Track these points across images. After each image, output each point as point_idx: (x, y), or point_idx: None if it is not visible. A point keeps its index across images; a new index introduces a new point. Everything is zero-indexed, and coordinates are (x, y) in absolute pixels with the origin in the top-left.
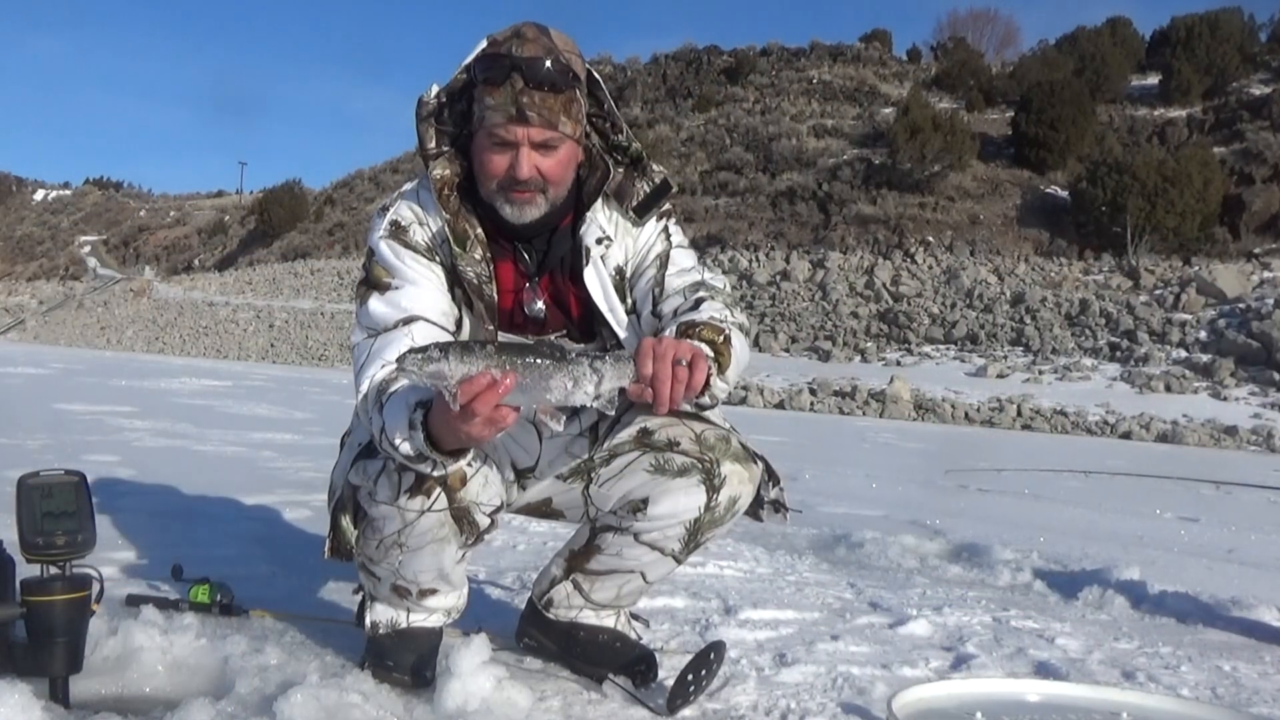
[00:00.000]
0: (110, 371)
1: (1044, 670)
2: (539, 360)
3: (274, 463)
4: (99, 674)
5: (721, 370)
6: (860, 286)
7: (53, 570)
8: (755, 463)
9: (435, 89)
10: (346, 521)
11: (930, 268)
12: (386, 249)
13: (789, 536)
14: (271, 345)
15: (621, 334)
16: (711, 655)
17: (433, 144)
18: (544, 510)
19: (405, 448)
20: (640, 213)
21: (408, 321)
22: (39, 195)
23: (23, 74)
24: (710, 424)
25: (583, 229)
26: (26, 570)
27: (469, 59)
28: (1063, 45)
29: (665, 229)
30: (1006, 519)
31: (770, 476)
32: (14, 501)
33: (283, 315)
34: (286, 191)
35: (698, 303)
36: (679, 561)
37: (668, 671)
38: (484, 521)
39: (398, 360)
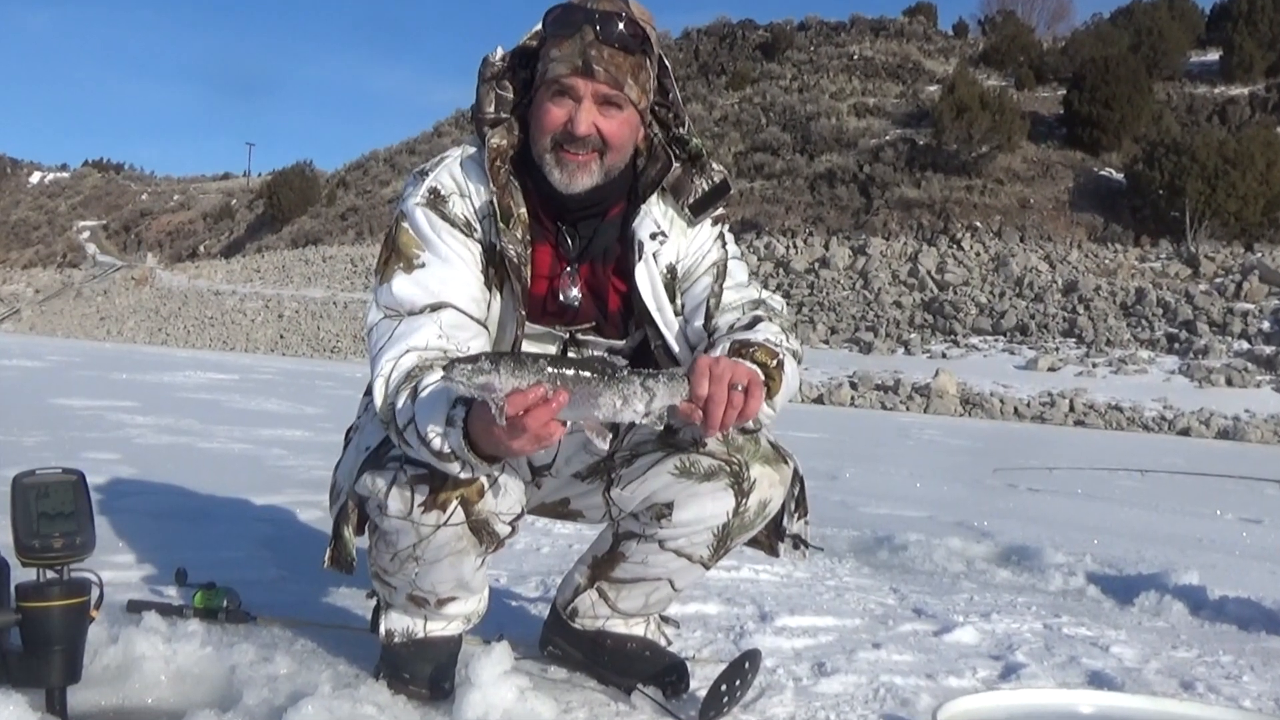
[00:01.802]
0: (110, 364)
1: (1098, 680)
2: (590, 377)
3: (283, 461)
4: (98, 684)
5: (770, 395)
6: (904, 274)
7: (50, 574)
8: (786, 463)
9: (500, 51)
10: (349, 532)
11: (978, 254)
12: (422, 217)
13: (828, 539)
14: (281, 336)
15: (668, 335)
16: (746, 664)
17: (491, 108)
18: (560, 511)
19: (437, 443)
20: (696, 211)
21: (436, 308)
22: (35, 178)
23: (17, 50)
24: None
25: (636, 221)
26: (22, 574)
27: (540, 25)
28: (1118, 19)
29: (721, 235)
30: (1058, 520)
31: (799, 505)
32: (9, 502)
33: (293, 305)
34: (297, 174)
35: (754, 321)
36: (707, 568)
37: (700, 682)
38: (504, 530)
39: (445, 368)
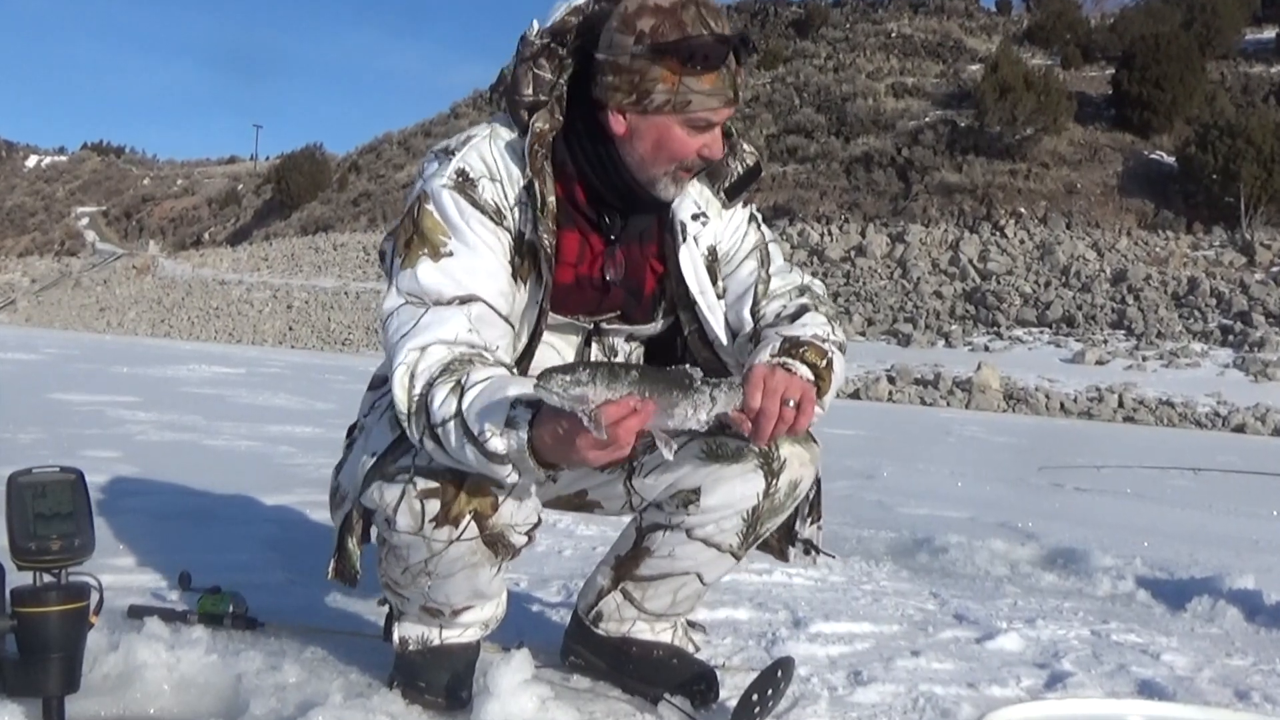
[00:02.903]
0: (110, 357)
1: (1148, 689)
2: (672, 388)
3: (292, 459)
4: (98, 694)
5: (819, 394)
6: (944, 263)
7: (47, 578)
8: (815, 442)
9: (537, 26)
10: (353, 544)
11: (1022, 242)
12: (449, 201)
13: (865, 541)
14: (290, 328)
15: (711, 319)
16: (779, 673)
17: (530, 90)
18: (577, 502)
19: (497, 444)
20: (731, 195)
21: (465, 301)
22: (31, 162)
23: (12, 26)
24: None
25: (676, 203)
26: (18, 578)
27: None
28: None
29: (754, 218)
30: (1106, 521)
31: (812, 509)
32: (3, 502)
33: (302, 295)
34: (306, 157)
35: (801, 310)
36: (737, 558)
37: (730, 691)
38: (521, 541)
39: (540, 378)
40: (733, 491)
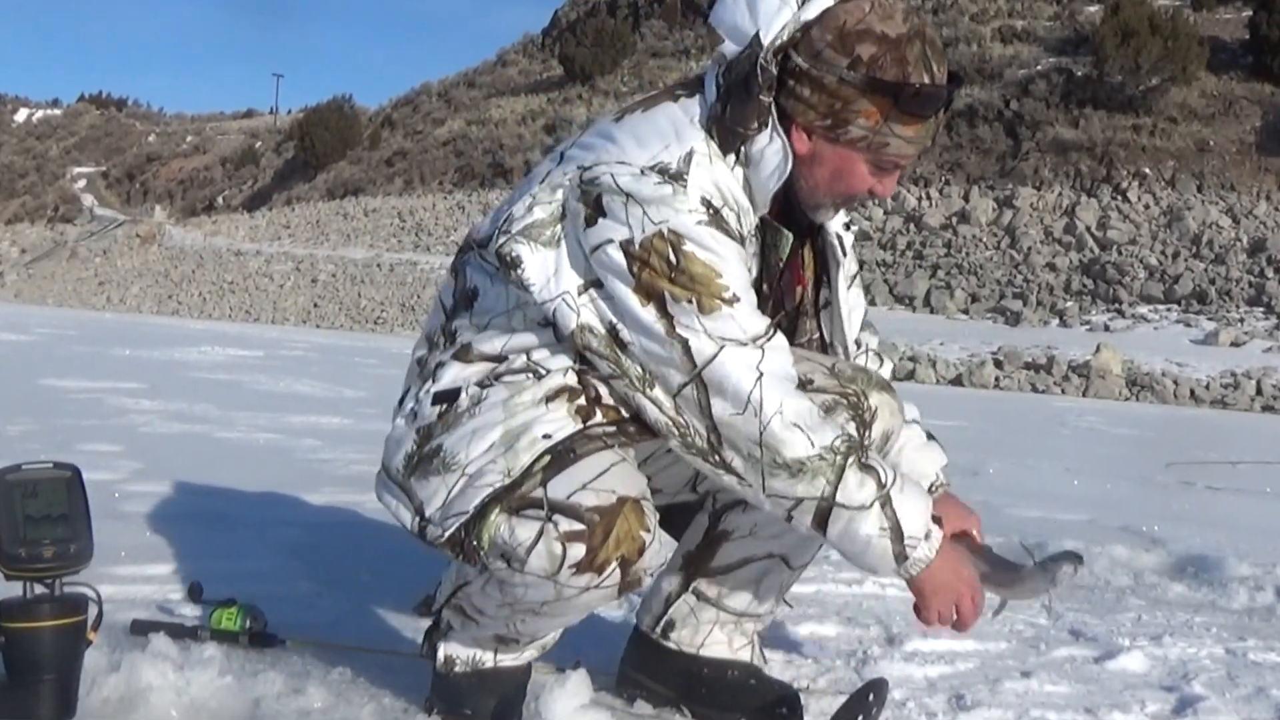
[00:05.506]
0: (111, 338)
1: None
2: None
3: (318, 453)
4: None
5: None
6: (1058, 231)
7: (39, 589)
8: (896, 393)
9: (766, 43)
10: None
11: (1147, 207)
12: (710, 239)
13: None
14: (314, 305)
15: (846, 327)
16: (870, 696)
17: (756, 124)
18: None
19: (920, 552)
20: None
21: (772, 332)
22: (21, 116)
23: None
24: (837, 357)
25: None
26: (6, 589)
27: (808, 15)
28: None
29: (846, 237)
30: (1243, 524)
31: None
32: None
33: (329, 267)
34: (333, 111)
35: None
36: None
37: (814, 717)
38: (648, 582)
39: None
40: None
